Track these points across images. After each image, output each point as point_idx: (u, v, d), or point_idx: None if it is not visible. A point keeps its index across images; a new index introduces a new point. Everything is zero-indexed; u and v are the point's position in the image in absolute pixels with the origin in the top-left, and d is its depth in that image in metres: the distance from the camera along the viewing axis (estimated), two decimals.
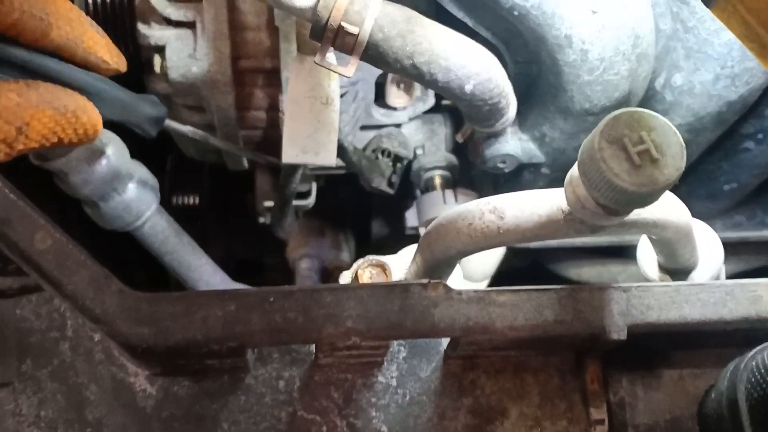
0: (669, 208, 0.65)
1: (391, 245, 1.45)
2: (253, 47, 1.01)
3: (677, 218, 0.66)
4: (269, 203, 1.26)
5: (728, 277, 1.49)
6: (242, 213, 1.61)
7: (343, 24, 0.74)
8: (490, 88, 0.83)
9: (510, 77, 1.07)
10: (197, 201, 1.70)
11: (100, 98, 0.73)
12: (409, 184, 1.24)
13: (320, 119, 0.93)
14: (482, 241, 0.64)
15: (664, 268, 0.83)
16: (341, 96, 1.10)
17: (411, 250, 0.83)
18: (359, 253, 1.66)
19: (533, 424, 0.65)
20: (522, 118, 1.10)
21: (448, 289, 0.58)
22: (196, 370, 0.62)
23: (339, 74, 0.78)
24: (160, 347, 0.55)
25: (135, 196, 1.02)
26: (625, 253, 1.39)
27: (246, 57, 1.01)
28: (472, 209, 0.65)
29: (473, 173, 1.25)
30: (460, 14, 0.93)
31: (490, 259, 1.14)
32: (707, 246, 0.82)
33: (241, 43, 1.00)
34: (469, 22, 0.95)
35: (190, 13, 0.97)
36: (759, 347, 0.56)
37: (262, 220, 1.30)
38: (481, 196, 1.23)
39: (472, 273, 1.14)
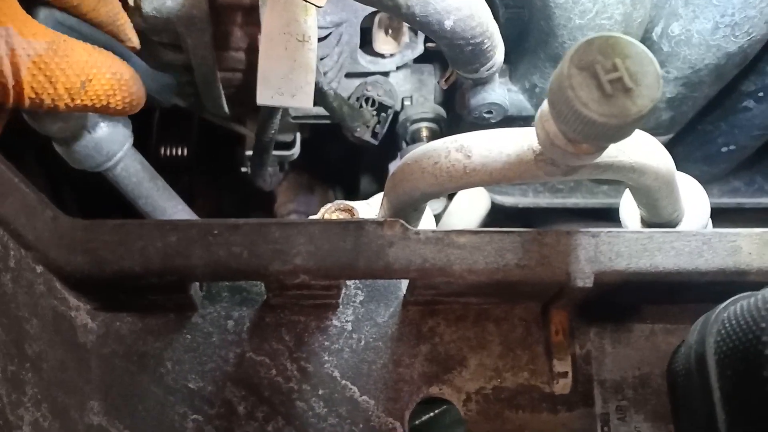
0: (649, 152, 0.61)
1: None
2: None
3: (657, 163, 0.62)
4: (250, 152, 1.22)
5: None
6: (230, 168, 1.58)
7: None
8: (472, 26, 0.79)
9: (500, 23, 1.02)
10: (185, 152, 1.67)
11: (135, 67, 0.79)
12: (396, 135, 1.20)
13: (296, 58, 0.89)
14: (447, 182, 0.61)
15: (646, 223, 0.79)
16: (324, 38, 1.06)
17: (381, 195, 0.80)
18: None
19: (493, 374, 0.62)
20: (512, 68, 1.06)
21: (405, 229, 0.55)
22: (140, 306, 0.59)
23: (312, 4, 0.73)
24: (95, 278, 0.52)
25: (106, 135, 0.98)
26: (617, 215, 1.35)
27: None
28: (437, 147, 0.61)
29: (462, 126, 1.21)
30: None
31: (471, 216, 1.10)
32: (693, 200, 0.78)
33: None
34: None
35: None
36: (731, 299, 0.52)
37: (244, 169, 1.27)
38: None
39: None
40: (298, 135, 1.27)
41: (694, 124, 1.18)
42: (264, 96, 0.91)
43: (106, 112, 0.78)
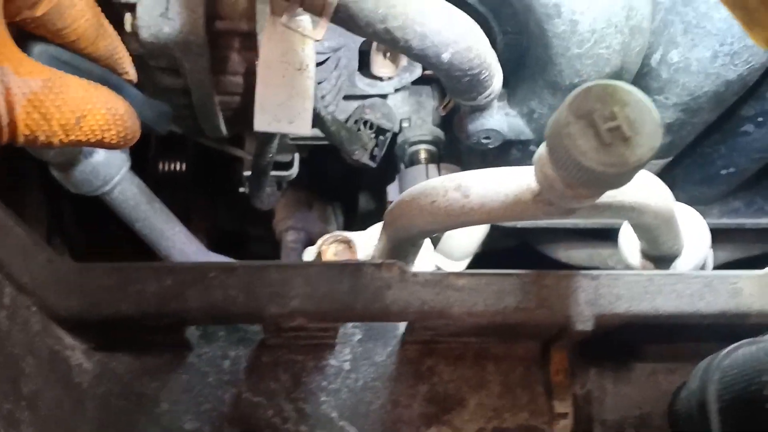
0: (648, 191, 0.61)
1: (379, 219, 1.42)
2: (229, 8, 0.96)
3: (657, 202, 0.62)
4: (248, 173, 1.22)
5: (724, 265, 1.46)
6: (228, 185, 1.58)
7: None
8: (470, 58, 0.78)
9: (499, 49, 1.02)
10: (183, 168, 1.67)
11: (130, 100, 0.78)
12: (394, 157, 1.19)
13: (294, 86, 0.88)
14: (445, 220, 0.60)
15: (646, 255, 0.79)
16: (322, 63, 1.06)
17: (380, 226, 0.79)
18: (347, 227, 1.62)
19: (493, 414, 0.62)
20: (510, 93, 1.05)
21: (404, 271, 0.54)
22: (136, 345, 0.59)
23: (308, 38, 0.73)
24: (91, 321, 0.51)
25: (102, 160, 0.98)
26: (616, 235, 1.34)
27: (221, 18, 0.96)
28: (436, 186, 0.61)
29: (460, 149, 1.21)
30: None
31: (471, 238, 1.10)
32: (693, 232, 0.78)
33: (216, 3, 0.95)
34: None
35: None
36: (732, 345, 0.52)
37: (242, 189, 1.26)
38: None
39: (452, 251, 1.10)
40: (297, 155, 1.27)
41: (694, 147, 1.18)
42: (261, 122, 0.91)
43: (101, 146, 0.77)
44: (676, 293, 0.56)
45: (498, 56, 1.03)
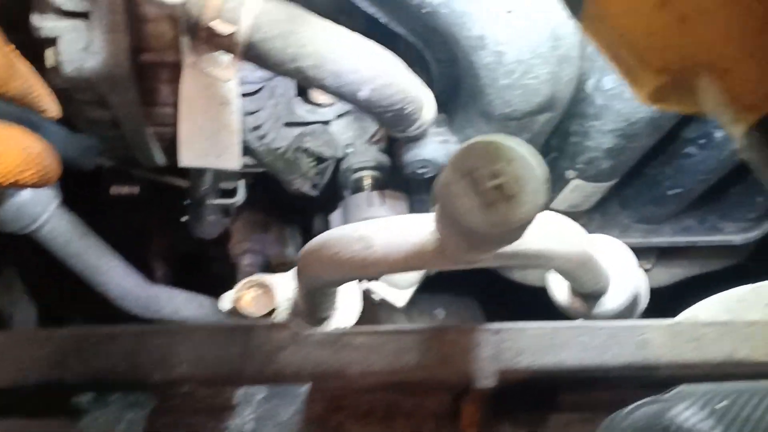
0: (555, 237, 0.59)
1: None
2: (154, 40, 0.94)
3: (565, 248, 0.60)
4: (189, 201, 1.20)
5: (677, 282, 1.45)
6: (184, 192, 1.54)
7: (216, 23, 0.67)
8: (390, 94, 0.77)
9: (434, 77, 1.00)
10: (137, 191, 1.64)
11: (50, 137, 0.76)
12: (338, 185, 1.17)
13: (218, 120, 0.87)
14: (349, 272, 0.58)
15: (574, 292, 0.77)
16: (256, 92, 1.03)
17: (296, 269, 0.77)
18: None
19: None
20: (450, 119, 1.03)
21: (296, 331, 0.52)
22: (23, 411, 0.56)
23: (220, 78, 0.71)
24: None
25: (28, 198, 0.95)
26: None
27: (147, 50, 0.94)
28: (338, 237, 0.59)
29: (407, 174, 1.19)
30: (371, 9, 0.86)
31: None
32: (618, 265, 0.76)
33: (141, 35, 0.93)
34: (383, 19, 0.89)
35: (84, 3, 0.90)
36: (634, 405, 0.50)
37: (183, 218, 1.24)
38: (413, 199, 1.16)
39: (397, 280, 1.08)
40: (242, 182, 1.25)
41: (641, 168, 1.17)
42: (187, 157, 0.89)
43: (18, 187, 0.75)
44: (581, 345, 0.54)
45: (434, 84, 1.01)
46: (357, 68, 0.73)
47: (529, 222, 0.46)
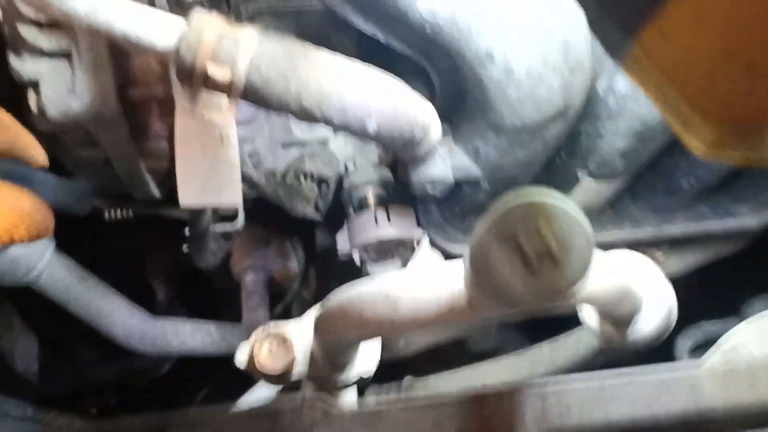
0: (595, 282, 0.55)
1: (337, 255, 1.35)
2: (142, 74, 0.89)
3: (606, 288, 0.57)
4: (188, 231, 1.16)
5: (692, 269, 1.41)
6: (184, 221, 1.50)
7: (212, 67, 0.63)
8: (399, 125, 0.72)
9: (436, 88, 0.96)
10: (131, 213, 1.59)
11: (40, 188, 0.75)
12: (342, 203, 1.13)
13: (216, 158, 0.82)
14: (376, 333, 0.55)
15: (605, 316, 0.74)
16: (251, 118, 0.99)
17: (313, 315, 0.73)
18: (308, 261, 1.56)
19: None
20: (454, 129, 0.99)
21: (327, 410, 0.49)
22: None
23: (217, 122, 0.66)
24: None
25: (22, 250, 0.91)
26: None
27: (135, 85, 0.90)
28: (362, 296, 0.55)
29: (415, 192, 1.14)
30: (368, 28, 0.82)
31: None
32: (651, 287, 0.73)
33: (127, 70, 0.89)
34: (381, 37, 0.84)
35: (64, 42, 0.85)
36: None
37: (185, 248, 1.20)
38: (420, 213, 1.12)
39: None
40: (241, 206, 1.20)
41: (654, 161, 1.13)
42: (187, 198, 0.85)
43: (12, 243, 0.71)
44: (630, 398, 0.51)
45: (437, 95, 0.97)
46: (363, 101, 0.68)
47: (577, 286, 0.43)
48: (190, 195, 0.84)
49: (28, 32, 0.84)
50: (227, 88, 0.64)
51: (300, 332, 0.71)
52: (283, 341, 0.68)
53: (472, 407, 0.50)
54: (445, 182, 0.92)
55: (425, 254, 1.05)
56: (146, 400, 1.68)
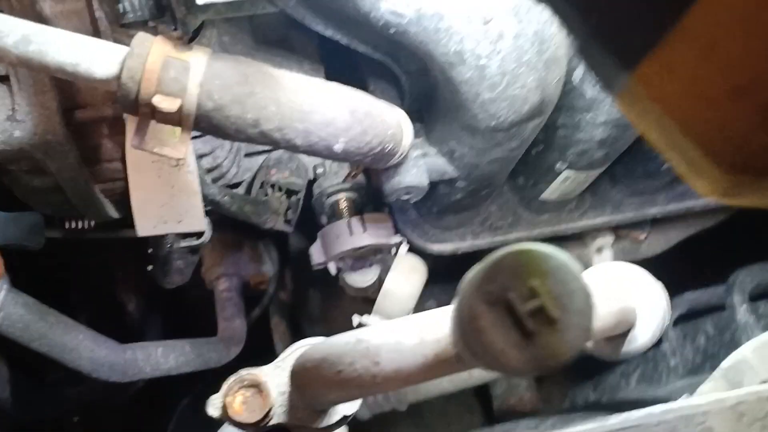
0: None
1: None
2: (88, 95, 0.83)
3: (603, 317, 0.52)
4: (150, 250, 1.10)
5: (676, 245, 1.39)
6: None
7: (158, 98, 0.57)
8: (367, 141, 0.67)
9: (405, 89, 0.91)
10: (92, 224, 1.53)
11: None
12: (313, 210, 1.08)
13: (174, 184, 0.77)
14: (358, 392, 0.50)
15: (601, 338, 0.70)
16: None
17: (289, 356, 0.68)
18: (282, 263, 1.51)
19: None
20: (428, 130, 0.94)
21: None
22: None
23: (167, 157, 0.61)
24: None
25: None
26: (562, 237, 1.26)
27: (81, 107, 0.83)
28: (340, 351, 0.50)
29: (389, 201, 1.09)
30: (328, 32, 0.76)
31: (408, 292, 1.00)
32: (644, 298, 0.69)
33: (72, 92, 0.82)
34: (343, 41, 0.78)
35: (1, 66, 0.78)
36: None
37: (149, 268, 1.14)
38: (396, 214, 1.08)
39: (391, 311, 1.00)
40: (207, 221, 1.14)
41: (632, 146, 1.09)
42: (145, 228, 0.79)
43: None
44: None
45: (406, 95, 0.92)
46: (328, 121, 0.63)
47: (578, 352, 0.38)
48: (147, 225, 0.79)
49: None
50: (177, 119, 0.58)
51: (276, 376, 0.66)
52: (259, 390, 0.63)
53: None
54: (420, 188, 0.87)
55: (404, 259, 1.00)
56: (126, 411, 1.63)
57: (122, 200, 0.98)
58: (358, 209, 1.05)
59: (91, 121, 0.84)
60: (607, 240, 1.33)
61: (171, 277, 1.07)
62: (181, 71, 0.56)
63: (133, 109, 0.58)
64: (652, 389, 1.29)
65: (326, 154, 0.65)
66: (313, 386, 0.51)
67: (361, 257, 1.06)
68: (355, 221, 1.00)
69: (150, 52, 0.56)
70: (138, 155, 0.73)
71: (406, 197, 0.88)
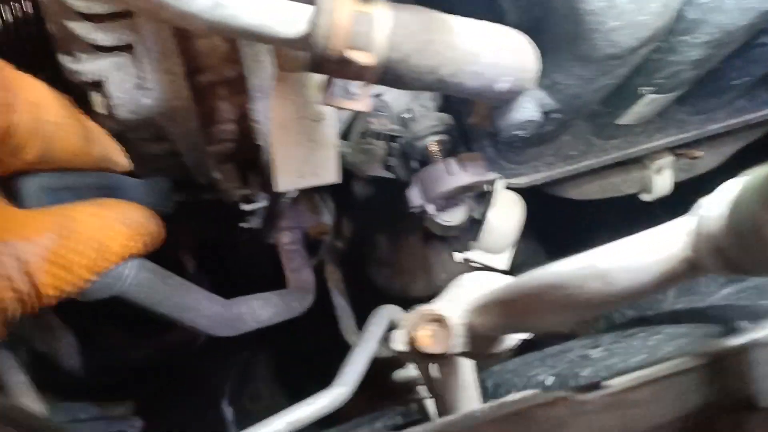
0: None
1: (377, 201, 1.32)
2: (209, 57, 0.83)
3: None
4: (253, 206, 1.11)
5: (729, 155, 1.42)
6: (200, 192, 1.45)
7: (348, 52, 0.58)
8: (526, 78, 0.69)
9: (510, 19, 0.92)
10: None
11: (133, 194, 0.73)
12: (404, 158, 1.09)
13: (315, 139, 0.78)
14: (585, 312, 0.53)
15: None
16: None
17: (459, 287, 0.71)
18: (340, 211, 1.53)
19: None
20: None
21: (573, 400, 0.47)
22: None
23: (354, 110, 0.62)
24: None
25: None
26: (625, 161, 1.29)
27: (203, 70, 0.83)
28: (567, 276, 0.52)
29: (466, 127, 1.11)
30: None
31: (512, 226, 1.02)
32: None
33: (194, 55, 0.82)
34: None
35: (125, 34, 0.78)
36: None
37: (245, 225, 1.15)
38: (486, 154, 1.09)
39: (492, 246, 1.03)
40: None
41: None
42: (284, 183, 0.81)
43: (128, 259, 0.68)
44: None
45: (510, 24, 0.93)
46: (496, 61, 0.64)
47: None
48: (287, 180, 0.80)
49: (81, 29, 0.76)
50: (364, 72, 0.59)
51: (452, 310, 0.69)
52: (442, 323, 0.66)
53: (712, 370, 0.49)
54: (536, 122, 0.88)
55: (504, 195, 1.03)
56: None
57: (226, 160, 0.99)
58: (448, 151, 1.07)
59: (210, 84, 0.85)
60: (666, 160, 1.36)
61: (276, 231, 1.09)
62: (369, 24, 0.57)
63: (320, 67, 0.58)
64: (692, 301, 1.32)
65: (489, 94, 0.67)
66: (534, 312, 0.54)
67: (451, 197, 1.08)
68: (452, 162, 1.02)
69: (336, 8, 0.56)
70: (283, 113, 0.74)
71: (520, 133, 0.90)
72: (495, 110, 0.89)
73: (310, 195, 1.54)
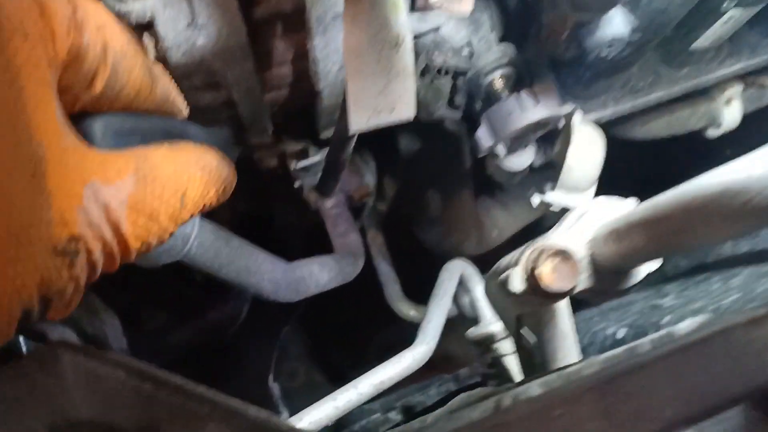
0: None
1: (424, 157, 1.25)
2: None
3: None
4: (308, 161, 1.04)
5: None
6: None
7: None
8: None
9: None
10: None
11: (197, 140, 0.63)
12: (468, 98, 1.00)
13: (392, 68, 0.70)
14: (754, 224, 0.46)
15: None
16: None
17: (576, 220, 0.64)
18: (381, 171, 1.45)
19: None
20: None
21: None
22: None
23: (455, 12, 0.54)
24: None
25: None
26: (693, 95, 1.21)
27: (258, 3, 0.76)
28: (744, 183, 0.45)
29: (530, 57, 1.02)
30: None
31: (596, 161, 0.94)
32: None
33: None
34: None
35: None
36: None
37: (297, 184, 1.08)
38: (560, 83, 1.01)
39: (577, 183, 0.95)
40: None
41: None
42: (359, 122, 0.73)
43: (204, 210, 0.61)
44: None
45: None
46: None
47: None
48: (362, 118, 0.72)
49: None
50: None
51: (574, 242, 0.62)
52: (567, 258, 0.59)
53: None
54: (623, 40, 0.80)
55: (582, 130, 0.95)
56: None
57: (278, 112, 0.92)
58: (514, 85, 0.99)
59: (266, 19, 0.77)
60: (736, 90, 1.28)
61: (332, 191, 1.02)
62: None
63: None
64: (749, 243, 1.24)
65: None
66: (699, 224, 0.47)
67: (522, 136, 1.01)
68: (524, 95, 0.94)
69: None
70: (358, 40, 0.66)
71: (607, 52, 0.82)
72: (582, 27, 0.81)
73: (352, 156, 1.47)
